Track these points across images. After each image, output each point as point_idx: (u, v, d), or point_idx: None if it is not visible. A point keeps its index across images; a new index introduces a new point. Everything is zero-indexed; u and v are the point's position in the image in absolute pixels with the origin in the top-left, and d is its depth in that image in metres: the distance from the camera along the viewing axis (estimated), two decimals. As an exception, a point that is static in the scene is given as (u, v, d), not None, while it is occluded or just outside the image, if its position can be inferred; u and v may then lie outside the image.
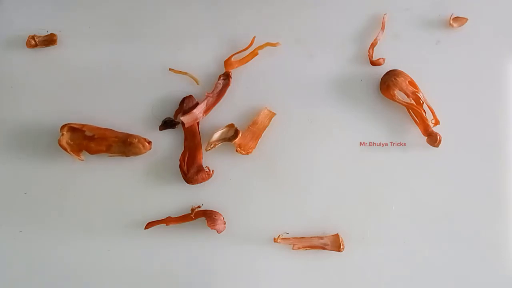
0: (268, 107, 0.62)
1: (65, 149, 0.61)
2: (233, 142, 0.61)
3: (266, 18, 0.64)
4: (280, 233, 0.61)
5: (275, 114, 0.62)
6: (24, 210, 0.62)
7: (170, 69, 0.63)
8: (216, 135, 0.61)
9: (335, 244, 0.60)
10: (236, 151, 0.61)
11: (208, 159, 0.62)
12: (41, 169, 0.62)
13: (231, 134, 0.62)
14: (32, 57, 0.64)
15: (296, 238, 0.61)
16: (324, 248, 0.60)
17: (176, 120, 0.62)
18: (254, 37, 0.63)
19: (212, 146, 0.61)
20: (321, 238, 0.61)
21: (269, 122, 0.62)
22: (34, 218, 0.62)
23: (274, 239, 0.60)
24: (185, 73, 0.63)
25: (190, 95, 0.63)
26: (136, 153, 0.61)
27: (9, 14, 0.65)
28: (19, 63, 0.64)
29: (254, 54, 0.63)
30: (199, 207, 0.61)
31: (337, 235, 0.60)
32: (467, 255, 0.60)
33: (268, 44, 0.63)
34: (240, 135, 0.61)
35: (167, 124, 0.62)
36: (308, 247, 0.61)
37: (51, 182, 0.62)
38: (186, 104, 0.62)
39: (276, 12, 0.65)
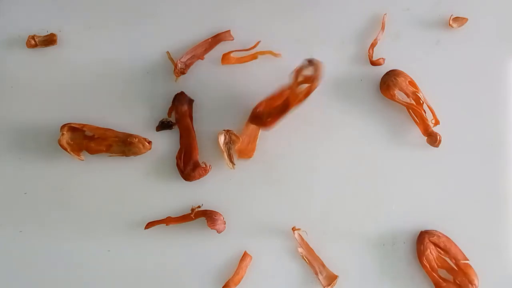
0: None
1: (65, 149, 0.61)
2: (235, 143, 0.61)
3: (266, 18, 0.64)
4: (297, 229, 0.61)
5: None
6: (24, 210, 0.62)
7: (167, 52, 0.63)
8: (221, 145, 0.61)
9: (328, 281, 0.60)
10: (239, 157, 0.61)
11: (208, 159, 0.62)
12: (41, 169, 0.62)
13: (228, 139, 0.61)
14: (32, 57, 0.64)
15: (308, 246, 0.60)
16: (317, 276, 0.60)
17: (172, 121, 0.62)
18: (259, 42, 0.63)
19: (231, 162, 0.61)
20: (323, 267, 0.60)
21: None
22: (34, 218, 0.62)
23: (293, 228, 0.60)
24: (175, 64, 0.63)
25: (182, 92, 0.63)
26: (136, 153, 0.61)
27: (9, 14, 0.65)
28: (19, 63, 0.64)
29: (253, 57, 0.63)
30: (199, 207, 0.61)
31: (335, 276, 0.60)
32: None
33: (270, 52, 0.63)
34: (238, 138, 0.61)
35: (164, 125, 0.62)
36: (309, 262, 0.60)
37: (51, 182, 0.62)
38: (178, 101, 0.62)
39: (276, 12, 0.65)
